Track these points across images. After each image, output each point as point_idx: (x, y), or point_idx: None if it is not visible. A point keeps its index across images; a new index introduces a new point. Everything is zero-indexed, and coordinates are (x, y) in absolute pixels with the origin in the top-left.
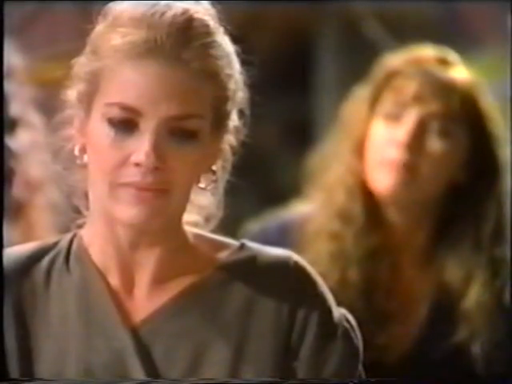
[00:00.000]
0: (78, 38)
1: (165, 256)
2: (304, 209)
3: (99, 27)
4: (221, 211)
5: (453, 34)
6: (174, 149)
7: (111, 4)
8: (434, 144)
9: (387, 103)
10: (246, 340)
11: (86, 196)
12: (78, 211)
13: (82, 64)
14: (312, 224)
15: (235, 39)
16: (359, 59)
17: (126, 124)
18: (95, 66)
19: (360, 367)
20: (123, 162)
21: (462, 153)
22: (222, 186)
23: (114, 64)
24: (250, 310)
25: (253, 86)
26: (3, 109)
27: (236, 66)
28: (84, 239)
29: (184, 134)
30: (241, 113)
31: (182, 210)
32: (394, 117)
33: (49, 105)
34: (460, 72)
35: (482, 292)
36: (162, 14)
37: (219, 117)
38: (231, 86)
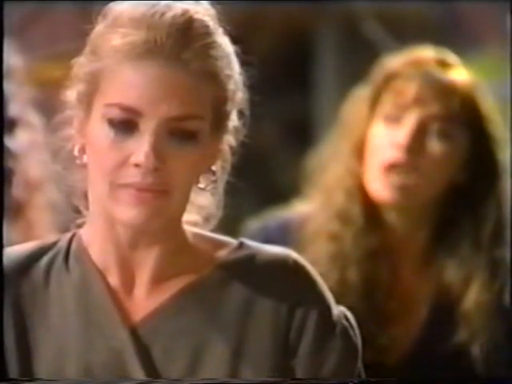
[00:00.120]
0: (78, 38)
1: (164, 255)
2: (304, 208)
3: (99, 27)
4: (220, 211)
5: (452, 34)
6: (173, 149)
7: (111, 4)
8: (434, 146)
9: (387, 105)
10: (245, 338)
11: (86, 196)
12: (77, 211)
13: (81, 64)
14: (311, 224)
15: (235, 40)
16: (359, 59)
17: (125, 125)
18: (95, 66)
19: (359, 365)
20: (123, 163)
21: (462, 154)
22: (221, 186)
23: (113, 64)
24: (249, 309)
25: (252, 87)
26: (3, 109)
27: (235, 66)
28: (83, 239)
29: (184, 134)
30: (240, 113)
31: (182, 210)
32: (394, 119)
33: (48, 105)
34: (460, 73)
35: (481, 293)
36: (162, 14)
37: (219, 117)
38: (231, 86)
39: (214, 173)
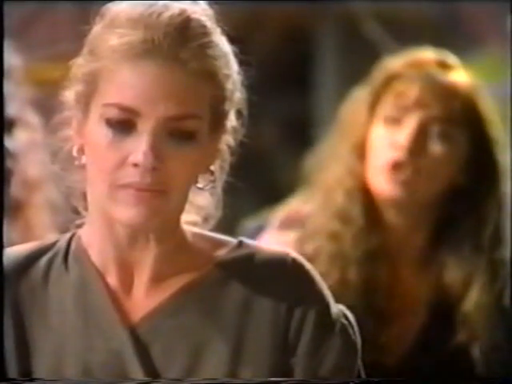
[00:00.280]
0: (78, 39)
1: (163, 255)
2: (303, 209)
3: (97, 28)
4: (219, 211)
5: (452, 34)
6: (172, 149)
7: (109, 5)
8: (435, 147)
9: (388, 106)
10: (244, 337)
11: (85, 197)
12: (76, 212)
13: (79, 65)
14: (311, 224)
15: (233, 39)
16: (359, 59)
17: (123, 124)
18: (93, 66)
19: (358, 364)
20: (121, 163)
21: (462, 156)
22: (220, 186)
23: (111, 64)
24: (248, 308)
25: (251, 86)
26: (3, 110)
27: (233, 66)
28: (82, 239)
29: (182, 134)
30: (239, 113)
31: (181, 209)
32: (395, 120)
33: (47, 105)
34: (460, 75)
35: (481, 294)
36: (160, 14)
37: (217, 117)
38: (229, 86)
39: (212, 173)
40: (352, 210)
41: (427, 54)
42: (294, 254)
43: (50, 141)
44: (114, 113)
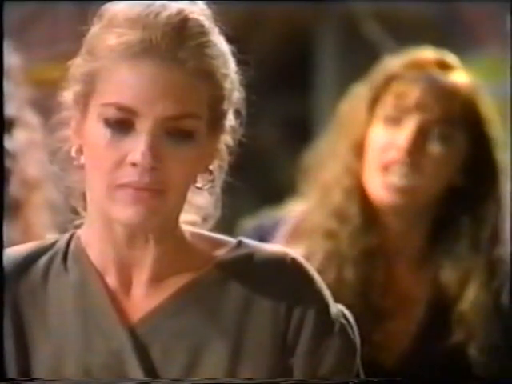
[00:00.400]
0: (78, 39)
1: (162, 255)
2: (300, 207)
3: (95, 28)
4: (218, 211)
5: (452, 34)
6: (170, 148)
7: (107, 5)
8: (434, 149)
9: (387, 106)
10: (243, 337)
11: (84, 197)
12: (75, 212)
13: (78, 65)
14: (308, 222)
15: (231, 39)
16: (359, 59)
17: (122, 124)
18: (91, 66)
19: (357, 363)
20: (120, 163)
21: (461, 156)
22: (219, 185)
23: (109, 64)
24: (248, 308)
25: (251, 86)
26: (3, 110)
27: (232, 65)
28: (82, 239)
29: (180, 133)
30: (237, 112)
31: (179, 209)
32: (395, 120)
33: (47, 105)
34: (460, 76)
35: (478, 294)
36: (157, 14)
37: (215, 116)
38: (227, 85)
39: (211, 172)
40: (349, 209)
41: (427, 55)
42: (294, 254)
43: (49, 141)
44: (112, 112)
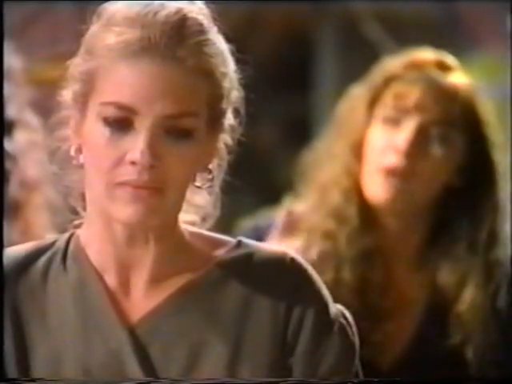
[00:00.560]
0: (78, 39)
1: (162, 255)
2: (298, 207)
3: (93, 27)
4: (218, 211)
5: (452, 34)
6: (169, 147)
7: (105, 4)
8: (433, 150)
9: (387, 107)
10: (243, 337)
11: (83, 197)
12: (75, 212)
13: (77, 64)
14: (306, 222)
15: (230, 38)
16: (359, 59)
17: (121, 123)
18: (90, 65)
19: (356, 364)
20: (119, 161)
21: (459, 157)
22: (218, 185)
23: (108, 63)
24: (247, 308)
25: (250, 85)
26: (3, 110)
27: (230, 64)
28: (81, 239)
29: (179, 132)
30: (236, 111)
31: (178, 208)
32: (394, 121)
33: (47, 105)
34: (459, 77)
35: (475, 295)
36: (156, 13)
37: (214, 115)
38: (226, 84)
39: (210, 171)
40: (347, 210)
41: (426, 55)
42: (293, 254)
43: (49, 141)
44: (111, 111)
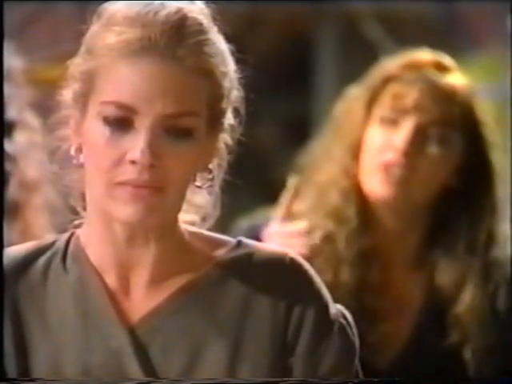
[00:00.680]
0: (78, 39)
1: (161, 254)
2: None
3: (94, 27)
4: (218, 210)
5: (453, 34)
6: (169, 146)
7: (105, 4)
8: (431, 150)
9: (385, 107)
10: (242, 337)
11: (83, 197)
12: (75, 212)
13: (77, 64)
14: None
15: (230, 38)
16: (359, 59)
17: (121, 122)
18: (90, 65)
19: (357, 364)
20: (119, 161)
21: (457, 158)
22: (218, 184)
23: (108, 62)
24: (247, 308)
25: (250, 85)
26: (3, 111)
27: (230, 64)
28: (81, 239)
29: (179, 131)
30: (236, 111)
31: (179, 207)
32: (392, 121)
33: (48, 106)
34: (457, 77)
35: (473, 296)
36: (156, 12)
37: (214, 115)
38: (226, 83)
39: (210, 171)
40: (346, 210)
41: (424, 56)
42: (293, 254)
43: (49, 140)
44: (111, 110)
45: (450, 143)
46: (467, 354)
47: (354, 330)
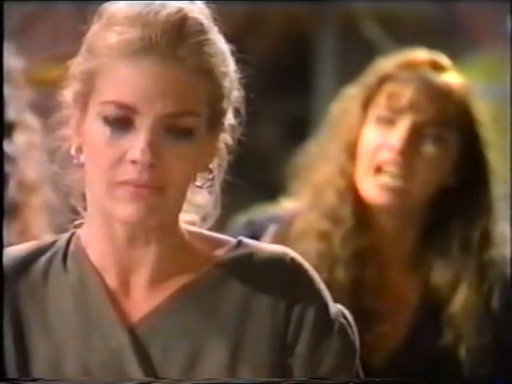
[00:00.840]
0: (79, 39)
1: (162, 254)
2: (292, 205)
3: (94, 27)
4: (218, 210)
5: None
6: (169, 146)
7: (106, 4)
8: (427, 149)
9: (381, 107)
10: (243, 337)
11: (84, 197)
12: (75, 212)
13: (77, 64)
14: (300, 222)
15: (230, 38)
16: (358, 60)
17: (121, 122)
18: (91, 65)
19: (357, 363)
20: (119, 160)
21: (453, 157)
22: (218, 184)
23: (109, 62)
24: (247, 307)
25: (251, 86)
26: (3, 112)
27: (231, 64)
28: (82, 239)
29: (180, 131)
30: (236, 111)
31: (179, 207)
32: (388, 121)
33: (48, 106)
34: (453, 77)
35: (468, 296)
36: (157, 12)
37: (215, 115)
38: (226, 83)
39: (210, 171)
40: (342, 210)
41: (420, 55)
42: (293, 254)
43: (49, 140)
44: (111, 110)
45: (445, 142)
46: (462, 353)
47: (355, 329)
